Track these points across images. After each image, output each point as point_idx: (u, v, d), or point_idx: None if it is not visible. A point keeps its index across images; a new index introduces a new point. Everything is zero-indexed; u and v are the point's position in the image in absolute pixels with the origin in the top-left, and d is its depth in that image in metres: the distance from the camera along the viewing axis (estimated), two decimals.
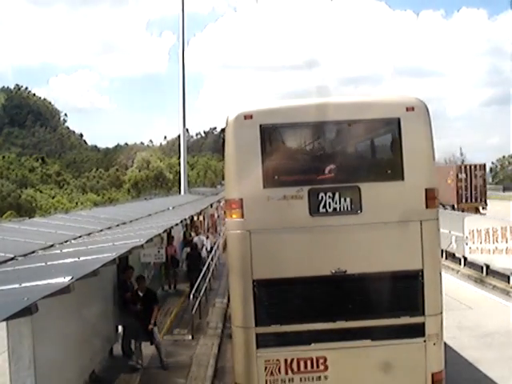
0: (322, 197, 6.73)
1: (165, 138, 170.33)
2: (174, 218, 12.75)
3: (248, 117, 6.80)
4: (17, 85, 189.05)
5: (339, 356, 6.78)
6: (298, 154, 7.68)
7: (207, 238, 22.44)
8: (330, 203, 6.75)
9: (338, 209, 6.75)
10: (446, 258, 22.13)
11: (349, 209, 6.76)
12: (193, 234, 22.29)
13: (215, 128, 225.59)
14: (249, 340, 6.84)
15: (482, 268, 18.88)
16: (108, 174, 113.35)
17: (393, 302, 6.88)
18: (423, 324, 6.92)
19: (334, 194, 6.75)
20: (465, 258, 20.41)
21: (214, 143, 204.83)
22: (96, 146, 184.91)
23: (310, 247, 6.75)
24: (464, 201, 35.77)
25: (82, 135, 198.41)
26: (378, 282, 6.79)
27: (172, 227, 11.86)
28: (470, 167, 37.34)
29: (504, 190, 78.16)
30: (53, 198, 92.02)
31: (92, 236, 11.94)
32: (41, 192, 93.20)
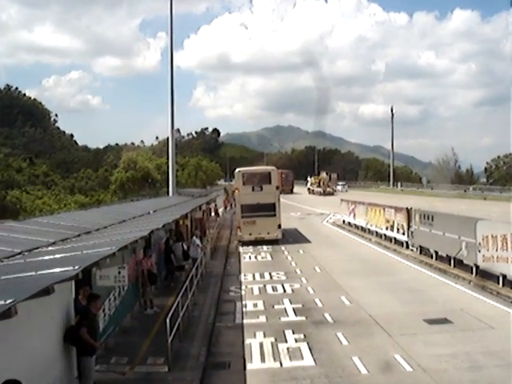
0: (255, 187, 30.46)
1: (156, 138, 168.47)
2: (147, 227, 10.58)
3: (239, 171, 31.50)
4: (7, 85, 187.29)
5: (259, 220, 29.92)
6: (250, 178, 31.24)
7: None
8: (256, 188, 30.46)
9: (257, 190, 30.41)
10: (455, 266, 20.24)
11: (260, 190, 30.38)
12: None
13: (206, 128, 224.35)
14: (240, 217, 30.58)
15: (498, 278, 16.96)
16: (97, 174, 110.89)
17: (268, 209, 29.89)
18: (275, 214, 30.07)
19: (257, 188, 30.48)
20: (477, 267, 18.46)
21: (205, 143, 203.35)
22: (87, 147, 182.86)
23: (251, 197, 30.03)
24: (283, 187, 71.35)
25: (72, 135, 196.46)
26: (267, 205, 29.80)
27: (141, 238, 9.78)
28: (285, 172, 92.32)
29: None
30: (40, 199, 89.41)
31: (39, 250, 9.82)
32: (27, 193, 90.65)
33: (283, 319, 14.54)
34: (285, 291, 18.18)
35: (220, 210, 51.39)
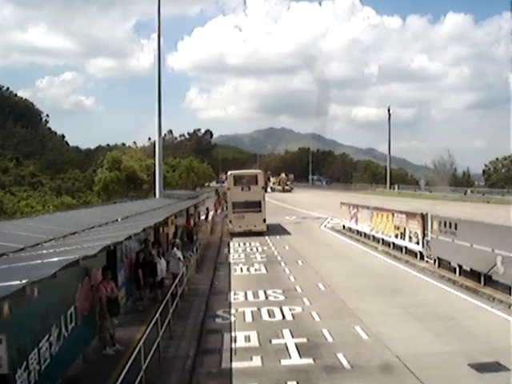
0: (244, 187, 36.53)
1: (149, 139, 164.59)
2: (70, 255, 7.10)
3: (231, 173, 38.27)
4: None
5: (247, 215, 35.85)
6: (240, 179, 37.41)
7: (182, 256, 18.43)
8: (245, 188, 36.46)
9: (246, 189, 36.43)
10: (485, 284, 16.96)
11: (248, 189, 36.40)
12: (154, 252, 16.89)
13: (199, 129, 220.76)
14: (231, 212, 36.74)
15: None
16: (84, 175, 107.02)
17: (255, 205, 35.75)
18: (261, 210, 35.92)
19: (246, 188, 36.48)
20: None
21: (197, 145, 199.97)
22: (78, 148, 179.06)
23: (241, 195, 36.18)
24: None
25: (63, 136, 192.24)
26: (254, 202, 35.74)
27: (44, 279, 6.34)
28: (269, 176, 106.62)
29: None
30: (25, 200, 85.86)
31: None
32: (11, 194, 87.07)
33: (284, 362, 11.10)
34: (284, 317, 14.77)
35: (210, 214, 47.93)
